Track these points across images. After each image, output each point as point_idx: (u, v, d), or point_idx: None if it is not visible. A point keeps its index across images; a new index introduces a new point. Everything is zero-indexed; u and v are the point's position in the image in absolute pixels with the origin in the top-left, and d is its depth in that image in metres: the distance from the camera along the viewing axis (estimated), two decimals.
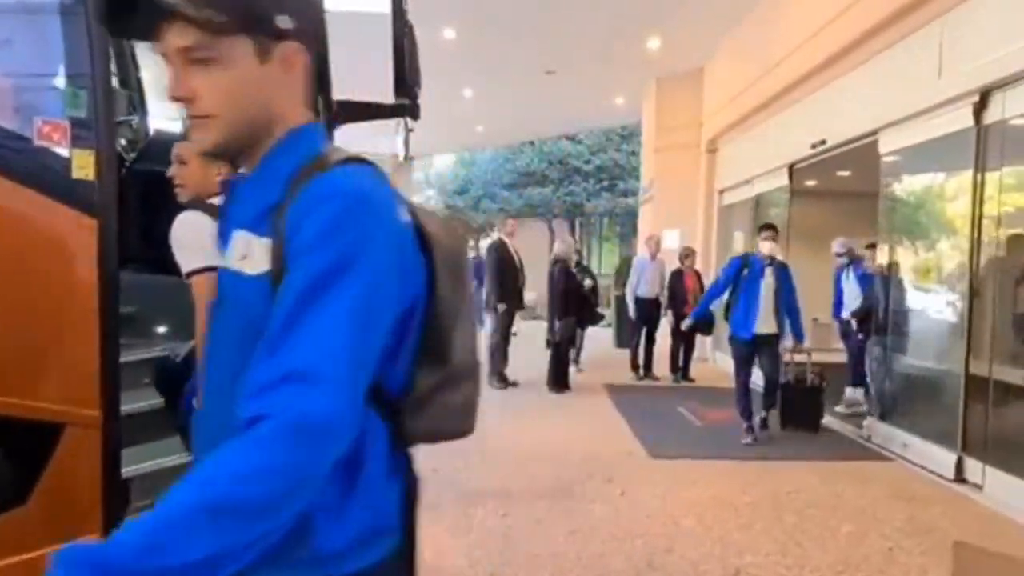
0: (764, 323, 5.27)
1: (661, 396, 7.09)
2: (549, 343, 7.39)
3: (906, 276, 5.55)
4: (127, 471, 2.21)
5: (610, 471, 4.56)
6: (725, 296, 5.60)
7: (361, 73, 4.03)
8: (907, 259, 5.67)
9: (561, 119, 14.72)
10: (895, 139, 5.44)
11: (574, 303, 7.36)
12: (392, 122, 3.11)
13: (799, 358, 5.82)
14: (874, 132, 5.66)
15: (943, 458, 4.61)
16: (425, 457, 3.95)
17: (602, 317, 8.75)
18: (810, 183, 8.17)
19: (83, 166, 1.79)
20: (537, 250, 20.94)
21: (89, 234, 1.82)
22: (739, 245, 9.44)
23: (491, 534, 3.49)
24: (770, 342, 5.34)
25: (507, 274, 7.59)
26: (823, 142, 6.51)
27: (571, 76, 10.75)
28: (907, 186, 5.68)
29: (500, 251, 7.65)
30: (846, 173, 7.93)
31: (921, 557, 3.34)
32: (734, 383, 5.51)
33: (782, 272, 5.38)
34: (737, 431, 5.37)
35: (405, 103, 2.92)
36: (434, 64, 9.14)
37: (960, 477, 4.48)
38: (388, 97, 2.95)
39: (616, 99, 12.18)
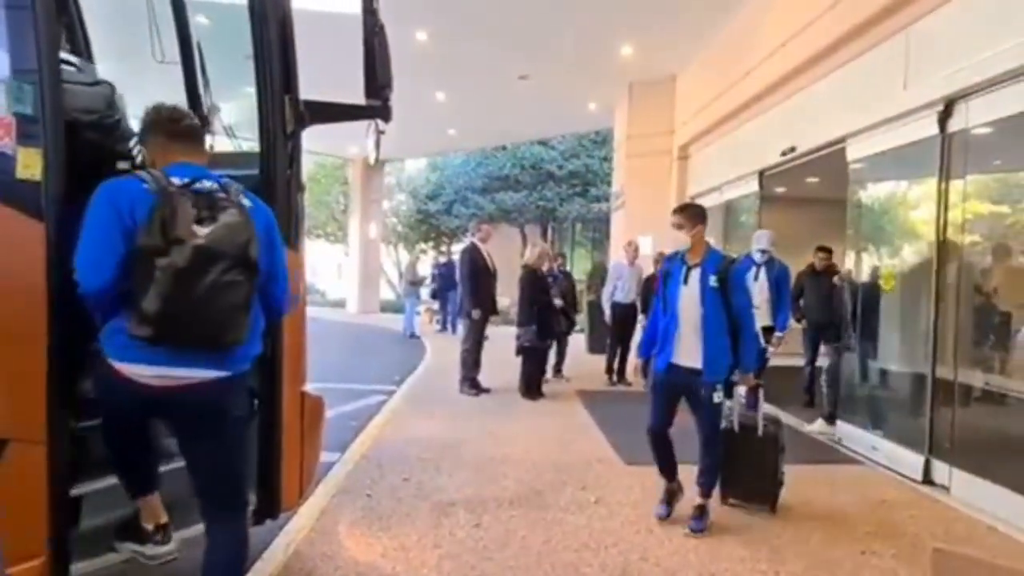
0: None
1: (635, 402, 7.06)
2: (518, 351, 7.34)
3: (872, 282, 5.63)
4: (79, 489, 2.09)
5: (584, 478, 4.51)
6: None
7: (334, 74, 3.95)
8: (873, 265, 5.76)
9: (534, 124, 14.73)
10: (862, 146, 5.53)
11: (541, 311, 7.27)
12: (363, 124, 3.05)
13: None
14: (842, 139, 5.75)
15: (911, 460, 4.67)
16: (396, 465, 3.89)
17: (573, 325, 8.65)
18: (780, 190, 8.28)
19: (29, 165, 1.68)
20: (510, 255, 20.94)
21: (35, 238, 1.72)
22: None
23: (463, 545, 3.41)
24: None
25: (481, 280, 7.51)
26: (793, 149, 6.60)
27: (544, 81, 10.76)
28: (874, 193, 5.77)
29: (473, 256, 7.57)
30: (816, 180, 8.05)
31: (893, 560, 3.36)
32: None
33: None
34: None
35: (376, 104, 2.86)
36: (406, 66, 9.05)
37: (928, 479, 4.54)
38: (360, 99, 2.88)
39: (589, 105, 12.23)
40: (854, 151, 5.63)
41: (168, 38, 3.22)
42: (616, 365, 8.15)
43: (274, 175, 2.58)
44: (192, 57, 3.25)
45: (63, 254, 1.77)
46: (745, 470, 3.94)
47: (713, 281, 3.48)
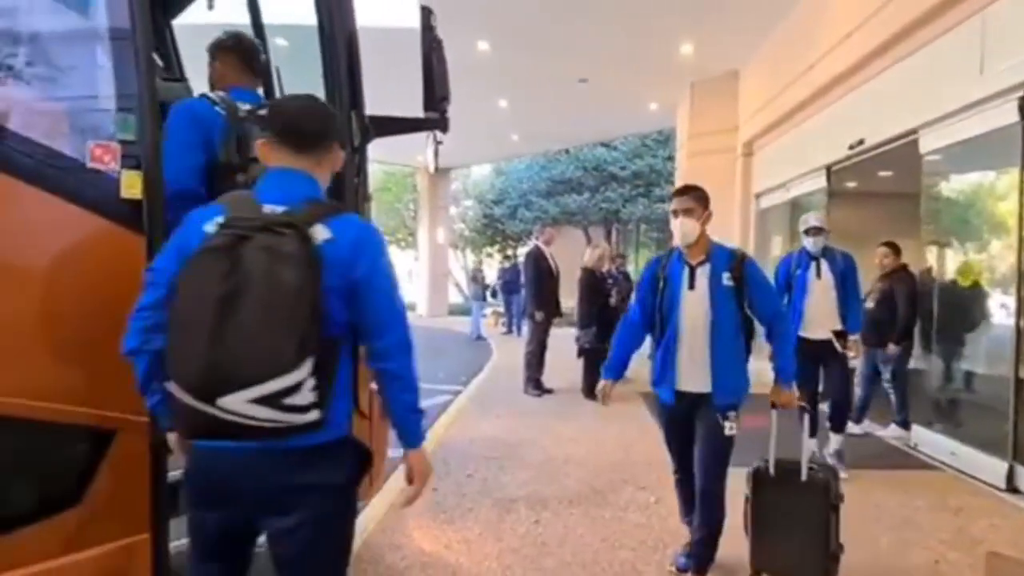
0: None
1: None
2: (579, 352, 7.38)
3: (951, 278, 5.38)
4: (175, 476, 2.32)
5: (644, 479, 4.54)
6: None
7: (395, 87, 4.15)
8: (951, 260, 5.50)
9: (596, 126, 14.72)
10: (936, 137, 5.29)
11: (601, 313, 7.27)
12: (425, 134, 3.22)
13: None
14: (914, 131, 5.52)
15: (993, 467, 4.44)
16: (462, 462, 4.07)
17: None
18: (851, 185, 7.99)
19: (131, 186, 1.91)
20: (573, 258, 20.93)
21: (137, 251, 1.94)
22: (777, 250, 9.28)
23: (523, 540, 3.53)
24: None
25: (544, 282, 7.61)
26: (861, 142, 6.37)
27: (604, 83, 10.77)
28: (950, 185, 5.51)
29: (537, 259, 7.68)
30: (888, 173, 7.72)
31: (969, 571, 3.23)
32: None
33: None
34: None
35: (434, 117, 3.02)
36: (469, 76, 9.37)
37: (1012, 487, 4.31)
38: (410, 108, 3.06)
39: (650, 105, 12.14)
40: (927, 142, 5.39)
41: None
42: None
43: (343, 186, 2.77)
44: (271, 77, 3.52)
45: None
46: (783, 532, 2.84)
47: (727, 279, 2.80)
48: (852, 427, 5.66)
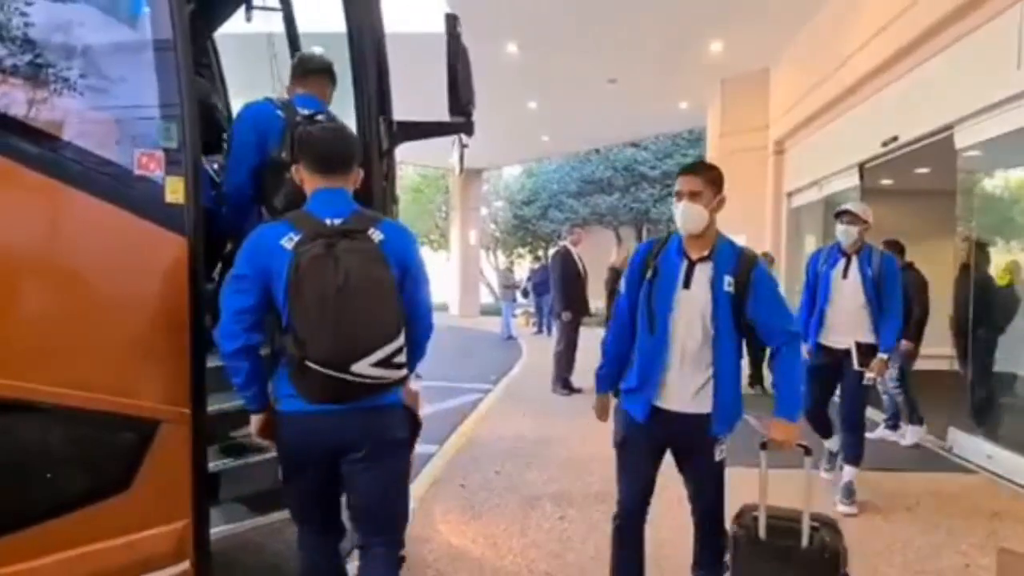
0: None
1: None
2: None
3: (987, 277, 5.26)
4: (215, 466, 2.45)
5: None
6: None
7: (420, 89, 4.26)
8: (988, 258, 5.37)
9: (625, 126, 14.68)
10: (972, 133, 5.18)
11: None
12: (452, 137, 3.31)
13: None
14: (949, 126, 5.42)
15: None
16: (489, 459, 4.16)
17: None
18: (885, 182, 7.84)
19: (175, 191, 2.04)
20: (603, 258, 20.87)
21: (180, 252, 2.07)
22: (810, 248, 9.16)
23: (548, 536, 3.59)
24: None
25: (572, 283, 7.66)
26: (894, 139, 6.26)
27: (634, 83, 10.75)
28: (986, 181, 5.39)
29: (565, 260, 7.73)
30: (924, 170, 7.56)
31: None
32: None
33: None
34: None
35: (460, 121, 3.11)
36: (498, 79, 9.48)
37: None
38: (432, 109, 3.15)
39: (680, 104, 12.07)
40: (963, 138, 5.29)
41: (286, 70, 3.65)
42: None
43: (372, 189, 2.87)
44: None
45: (201, 264, 2.12)
46: None
47: (728, 284, 2.30)
48: (888, 433, 5.55)
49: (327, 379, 1.84)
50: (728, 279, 2.30)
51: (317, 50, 3.05)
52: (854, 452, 4.06)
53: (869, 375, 3.92)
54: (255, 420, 2.10)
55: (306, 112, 2.63)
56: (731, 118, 10.37)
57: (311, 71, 2.83)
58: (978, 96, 4.99)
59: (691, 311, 2.32)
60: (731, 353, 2.35)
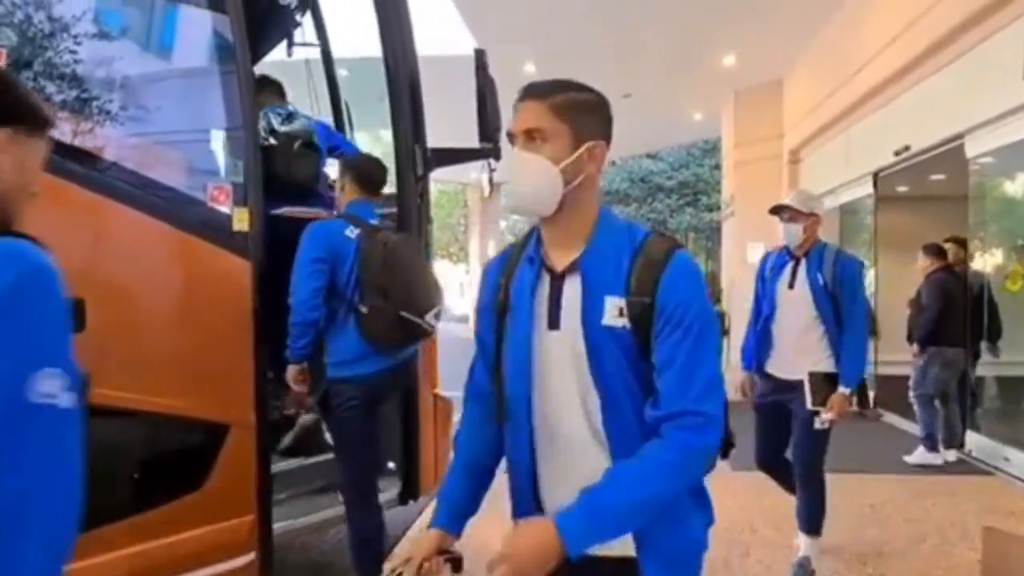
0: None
1: (746, 409, 7.06)
2: None
3: (1000, 282, 5.37)
4: (279, 467, 2.70)
5: None
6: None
7: (451, 112, 4.51)
8: (1000, 264, 5.48)
9: (641, 138, 14.87)
10: (982, 142, 5.31)
11: None
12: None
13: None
14: (959, 136, 5.55)
15: None
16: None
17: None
18: (900, 189, 7.96)
19: (241, 220, 2.29)
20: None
21: (245, 274, 2.32)
22: None
23: None
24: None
25: None
26: (907, 148, 6.40)
27: (648, 97, 10.94)
28: (997, 189, 5.51)
29: None
30: (938, 177, 7.67)
31: None
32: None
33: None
34: None
35: (489, 147, 3.34)
36: (517, 97, 9.67)
37: None
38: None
39: (694, 115, 12.24)
40: (973, 147, 5.42)
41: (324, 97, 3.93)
42: None
43: (408, 211, 3.11)
44: (341, 113, 3.93)
45: (263, 284, 2.37)
46: None
47: (613, 314, 1.21)
48: (929, 456, 5.11)
49: (408, 323, 2.54)
50: (614, 303, 1.18)
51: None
52: (810, 516, 3.18)
53: (824, 416, 2.98)
54: (296, 369, 2.59)
55: (374, 223, 2.74)
56: (745, 128, 10.51)
57: (377, 184, 2.84)
58: (988, 105, 5.13)
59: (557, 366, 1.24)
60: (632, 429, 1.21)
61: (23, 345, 0.89)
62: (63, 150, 1.97)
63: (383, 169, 2.85)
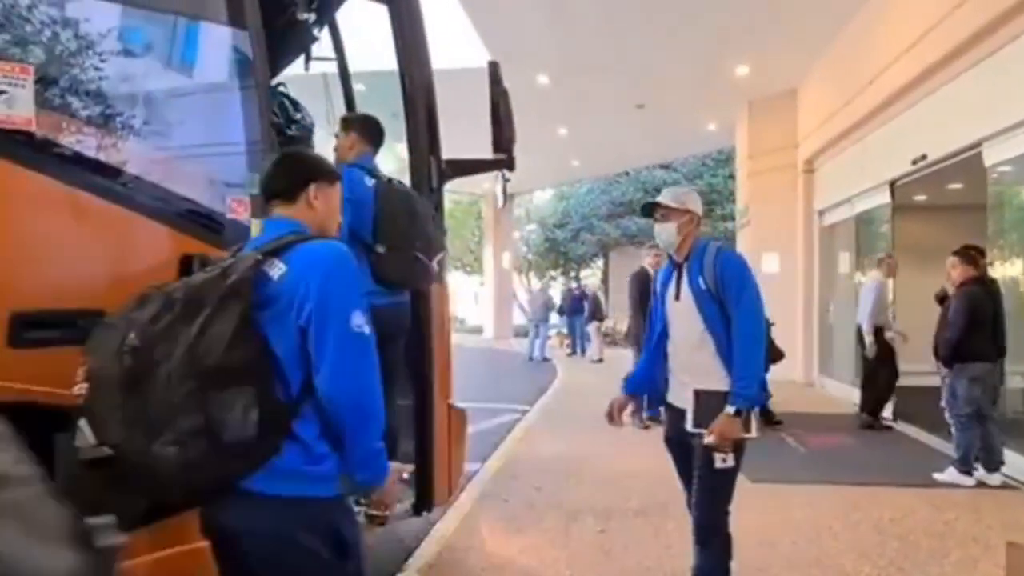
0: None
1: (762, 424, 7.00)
2: None
3: (1016, 291, 5.28)
4: None
5: None
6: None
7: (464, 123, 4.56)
8: (1021, 273, 5.40)
9: (654, 149, 14.90)
10: (1000, 150, 5.26)
11: None
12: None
13: None
14: (977, 144, 5.50)
15: None
16: (530, 476, 4.38)
17: (782, 355, 7.07)
18: (918, 198, 7.89)
19: (259, 232, 2.32)
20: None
21: None
22: (845, 266, 9.18)
23: (589, 548, 3.75)
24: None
25: (649, 304, 7.23)
26: (924, 157, 6.35)
27: (662, 107, 10.99)
28: (1016, 197, 5.44)
29: (643, 280, 7.08)
30: (956, 186, 7.60)
31: None
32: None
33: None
34: (842, 457, 5.23)
35: (502, 158, 3.38)
36: (530, 108, 9.81)
37: None
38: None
39: (708, 125, 12.25)
40: (991, 156, 5.37)
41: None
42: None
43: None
44: None
45: None
46: None
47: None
48: (960, 478, 4.82)
49: (422, 264, 2.80)
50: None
51: None
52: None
53: (717, 448, 2.45)
54: None
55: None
56: (760, 138, 10.50)
57: (381, 140, 3.14)
58: (1006, 113, 5.09)
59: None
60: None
61: (351, 295, 1.55)
62: (89, 164, 2.02)
63: (382, 126, 3.13)
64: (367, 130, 3.06)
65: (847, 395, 8.46)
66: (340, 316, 1.51)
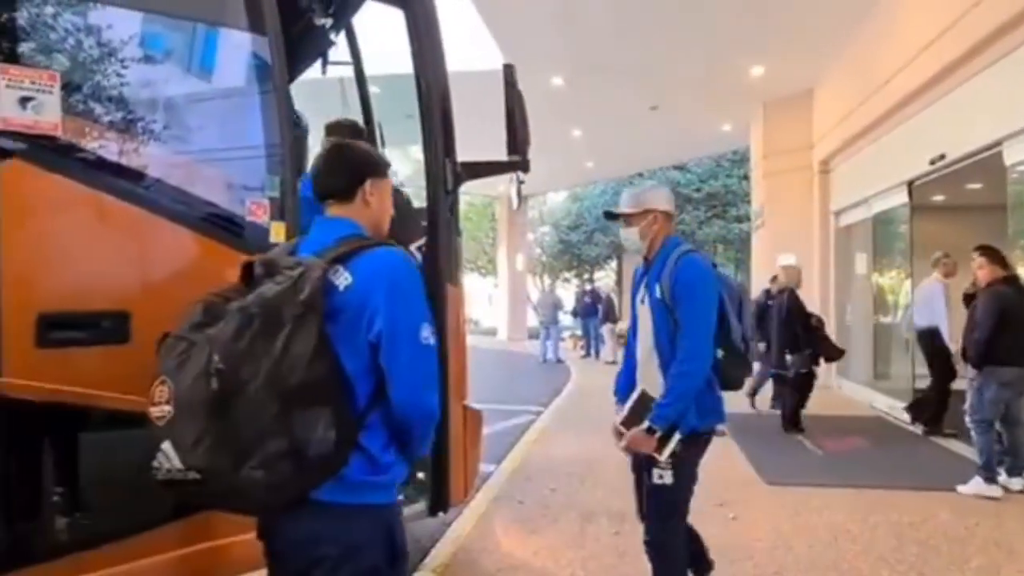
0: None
1: (779, 425, 6.95)
2: (788, 380, 6.79)
3: None
4: None
5: (722, 496, 4.64)
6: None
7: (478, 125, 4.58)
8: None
9: (668, 150, 14.86)
10: (1021, 149, 5.19)
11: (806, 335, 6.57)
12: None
13: None
14: (997, 143, 5.43)
15: None
16: (544, 477, 4.38)
17: (842, 352, 7.21)
18: (936, 198, 7.80)
19: (278, 234, 2.36)
20: None
21: None
22: (861, 267, 9.10)
23: (604, 549, 3.74)
24: None
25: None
26: (942, 157, 6.28)
27: (676, 109, 10.97)
28: None
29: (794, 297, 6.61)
30: (976, 186, 7.50)
31: None
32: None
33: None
34: (860, 460, 5.18)
35: (517, 160, 3.39)
36: (544, 109, 9.85)
37: None
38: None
39: (723, 126, 12.20)
40: (1011, 155, 5.30)
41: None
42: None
43: (439, 225, 3.16)
44: (373, 128, 4.01)
45: None
46: None
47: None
48: (986, 488, 4.60)
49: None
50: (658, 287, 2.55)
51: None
52: None
53: (657, 474, 2.42)
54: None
55: None
56: (775, 139, 10.44)
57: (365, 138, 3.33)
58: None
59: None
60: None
61: (418, 307, 1.56)
62: (112, 168, 2.06)
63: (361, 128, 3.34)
64: (353, 132, 3.18)
65: (864, 397, 8.38)
66: (411, 332, 1.51)
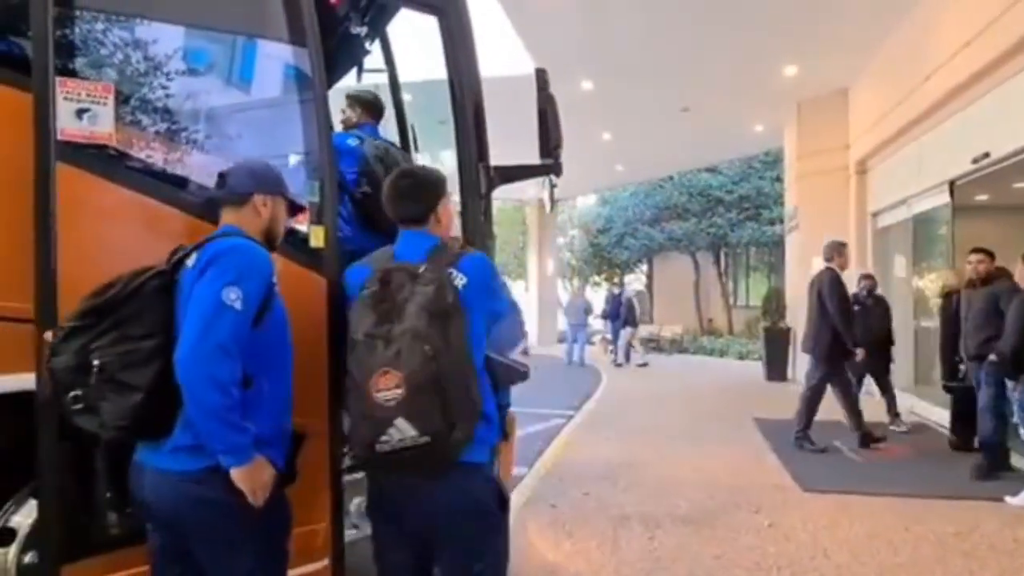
0: None
1: (815, 431, 6.80)
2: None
3: None
4: (348, 478, 2.79)
5: (758, 502, 4.58)
6: None
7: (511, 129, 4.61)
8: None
9: (700, 152, 14.70)
10: None
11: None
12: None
13: None
14: None
15: None
16: (577, 481, 4.39)
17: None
18: (980, 198, 7.58)
19: (317, 238, 2.41)
20: (682, 286, 20.66)
21: (322, 289, 2.43)
22: (900, 270, 8.88)
23: (638, 555, 3.72)
24: None
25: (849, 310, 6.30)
26: (986, 155, 6.10)
27: (707, 110, 10.85)
28: None
29: (836, 285, 6.17)
30: (1022, 185, 7.27)
31: None
32: None
33: None
34: (903, 467, 5.04)
35: (550, 163, 3.40)
36: (574, 114, 9.85)
37: None
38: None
39: (755, 127, 12.03)
40: None
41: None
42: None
43: (473, 229, 3.19)
44: (407, 135, 4.07)
45: (336, 297, 2.48)
46: None
47: None
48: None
49: None
50: None
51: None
52: None
53: None
54: None
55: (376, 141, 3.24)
56: (809, 139, 10.26)
57: (381, 112, 3.47)
58: None
59: None
60: None
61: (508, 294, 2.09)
62: (160, 175, 2.14)
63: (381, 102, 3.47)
64: (372, 106, 3.41)
65: (903, 404, 8.15)
66: (507, 313, 2.09)
